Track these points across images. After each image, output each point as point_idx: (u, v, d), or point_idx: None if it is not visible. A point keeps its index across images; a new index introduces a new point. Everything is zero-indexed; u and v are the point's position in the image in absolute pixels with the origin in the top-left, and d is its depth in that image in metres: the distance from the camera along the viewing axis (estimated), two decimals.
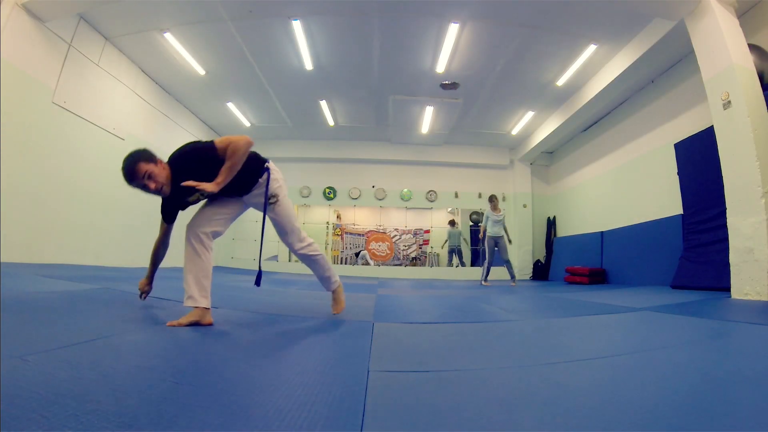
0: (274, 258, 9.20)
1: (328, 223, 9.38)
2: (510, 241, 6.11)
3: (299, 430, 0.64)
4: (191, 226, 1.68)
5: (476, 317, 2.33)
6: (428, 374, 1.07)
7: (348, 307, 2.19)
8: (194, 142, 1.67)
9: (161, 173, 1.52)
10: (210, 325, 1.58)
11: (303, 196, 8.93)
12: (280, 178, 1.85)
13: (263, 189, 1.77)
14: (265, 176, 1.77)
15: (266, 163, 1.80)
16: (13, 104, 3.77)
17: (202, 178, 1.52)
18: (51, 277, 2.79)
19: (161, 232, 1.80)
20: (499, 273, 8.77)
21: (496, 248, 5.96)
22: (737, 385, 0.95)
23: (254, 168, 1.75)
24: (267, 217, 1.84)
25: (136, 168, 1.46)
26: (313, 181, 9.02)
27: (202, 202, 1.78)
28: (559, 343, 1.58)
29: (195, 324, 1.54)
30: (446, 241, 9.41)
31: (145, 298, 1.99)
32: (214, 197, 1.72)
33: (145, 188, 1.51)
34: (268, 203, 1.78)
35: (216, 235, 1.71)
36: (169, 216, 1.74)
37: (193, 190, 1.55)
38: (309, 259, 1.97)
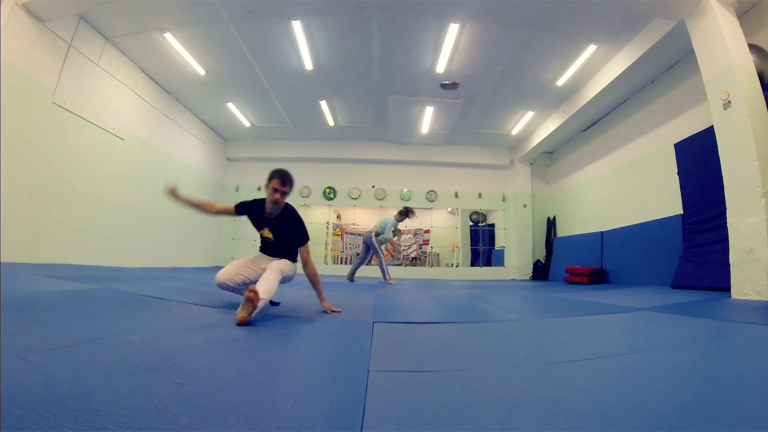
0: None
1: (328, 223, 9.37)
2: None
3: (299, 430, 0.64)
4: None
5: (476, 317, 2.33)
6: (428, 374, 1.07)
7: (348, 307, 2.20)
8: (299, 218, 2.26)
9: (283, 202, 2.12)
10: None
11: (303, 196, 8.92)
12: None
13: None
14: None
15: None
16: (13, 104, 3.77)
17: (289, 234, 2.23)
18: (51, 277, 2.79)
19: (223, 208, 2.28)
20: (499, 273, 8.80)
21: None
22: (737, 385, 0.95)
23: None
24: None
25: (292, 183, 2.11)
26: (313, 181, 9.02)
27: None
28: (559, 343, 1.58)
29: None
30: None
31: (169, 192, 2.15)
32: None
33: (276, 193, 2.06)
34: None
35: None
36: (241, 210, 2.26)
37: (268, 225, 2.23)
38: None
